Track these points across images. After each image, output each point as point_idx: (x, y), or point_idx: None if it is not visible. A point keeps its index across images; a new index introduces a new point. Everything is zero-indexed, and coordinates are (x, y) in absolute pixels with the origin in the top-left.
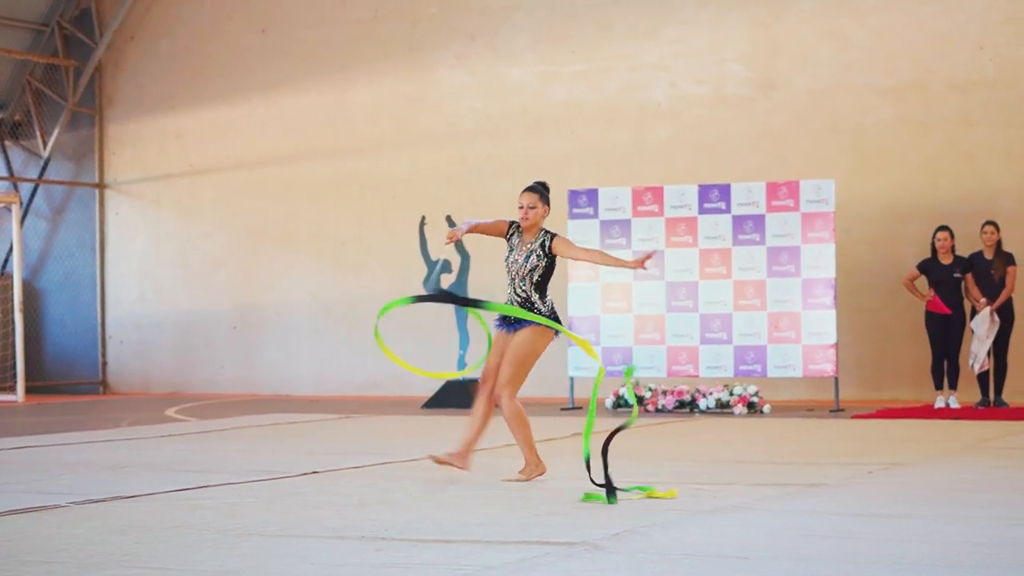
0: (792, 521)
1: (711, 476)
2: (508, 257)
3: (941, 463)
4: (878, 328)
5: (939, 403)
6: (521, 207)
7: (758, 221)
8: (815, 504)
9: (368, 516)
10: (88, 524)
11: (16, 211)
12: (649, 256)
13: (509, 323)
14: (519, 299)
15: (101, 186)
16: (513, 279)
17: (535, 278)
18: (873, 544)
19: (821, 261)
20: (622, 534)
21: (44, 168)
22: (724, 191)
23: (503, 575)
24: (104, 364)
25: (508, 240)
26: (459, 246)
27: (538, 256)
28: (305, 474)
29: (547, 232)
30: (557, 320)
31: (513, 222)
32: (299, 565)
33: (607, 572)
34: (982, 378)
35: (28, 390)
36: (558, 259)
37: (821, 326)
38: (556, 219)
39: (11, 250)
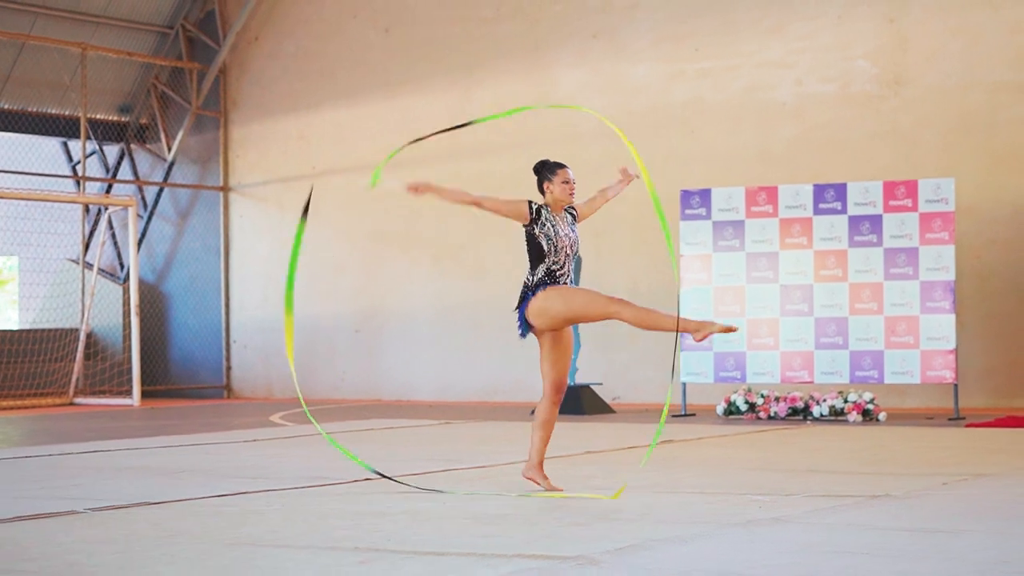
0: (824, 536)
1: (775, 486)
2: (556, 232)
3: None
4: (1010, 334)
5: None
6: (568, 182)
7: (875, 221)
8: (863, 517)
9: (381, 526)
10: (86, 531)
11: (133, 214)
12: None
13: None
14: (569, 277)
15: (225, 189)
16: (567, 256)
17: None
18: (892, 562)
19: (940, 263)
20: (626, 548)
21: (169, 171)
22: (840, 191)
23: None
24: (228, 368)
25: (536, 221)
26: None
27: (574, 229)
28: (355, 481)
29: (566, 209)
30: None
31: (531, 202)
32: None
33: None
34: None
35: (153, 394)
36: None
37: (940, 331)
38: (668, 220)
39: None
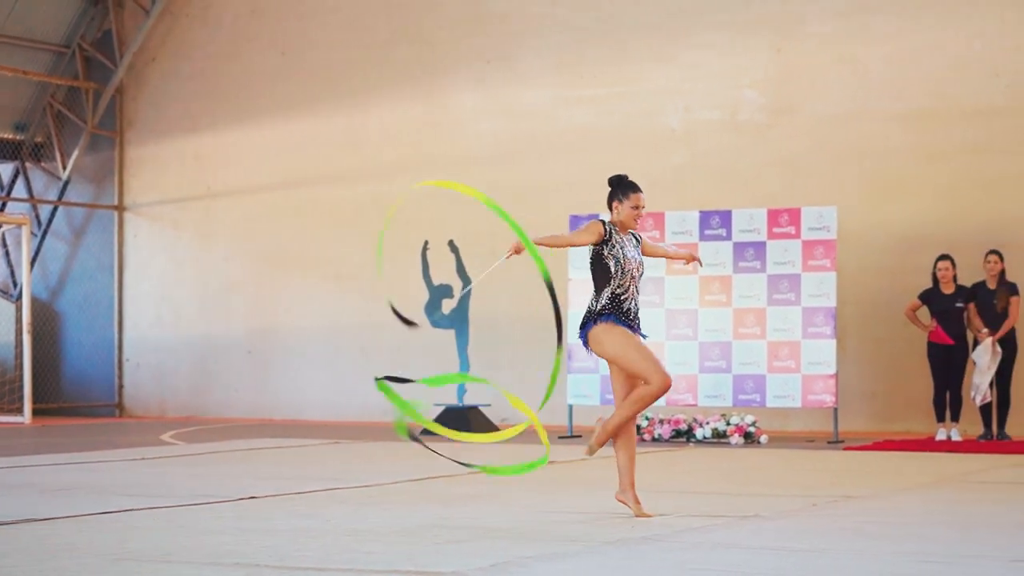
0: (694, 555)
1: (651, 506)
2: (624, 255)
3: (898, 497)
4: (888, 359)
5: (940, 435)
6: (638, 207)
7: (759, 248)
8: (733, 537)
9: (266, 543)
10: None
11: (26, 232)
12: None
13: (639, 326)
14: (634, 302)
15: (120, 208)
16: (632, 279)
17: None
18: None
19: (822, 289)
20: (500, 565)
21: (64, 190)
22: (725, 217)
23: None
24: (121, 387)
25: (607, 241)
26: (461, 271)
27: (639, 254)
28: (241, 499)
29: (631, 232)
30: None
31: (603, 220)
32: None
33: None
34: (984, 410)
35: (44, 412)
36: None
37: (821, 356)
38: None
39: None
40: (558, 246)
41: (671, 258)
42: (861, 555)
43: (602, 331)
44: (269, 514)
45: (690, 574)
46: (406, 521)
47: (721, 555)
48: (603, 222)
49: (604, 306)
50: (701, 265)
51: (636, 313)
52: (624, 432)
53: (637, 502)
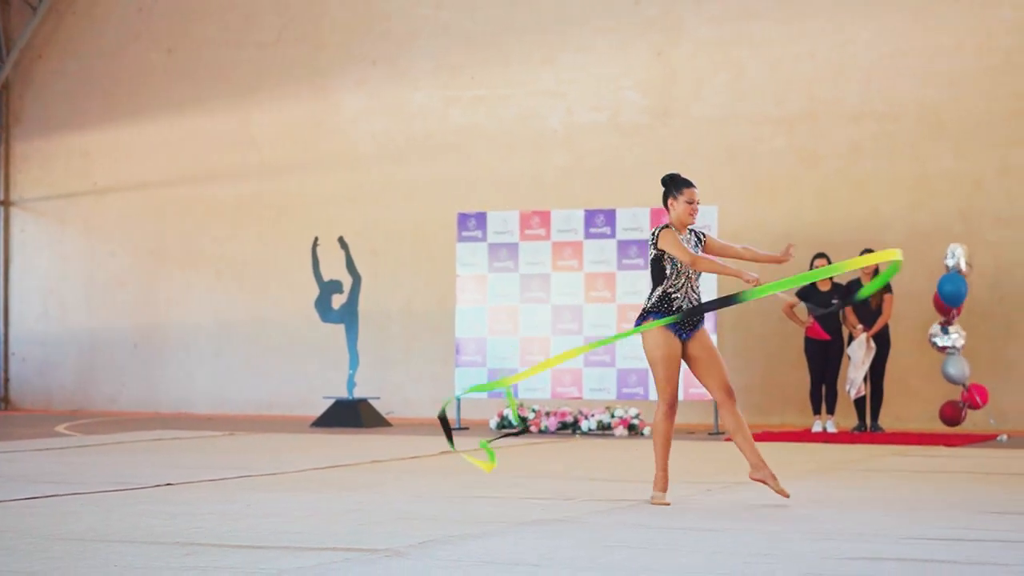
0: (605, 533)
1: (555, 492)
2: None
3: (784, 483)
4: (767, 354)
5: (816, 427)
6: (693, 202)
7: (642, 246)
8: (638, 518)
9: (196, 524)
10: None
11: None
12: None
13: (689, 328)
14: (696, 296)
15: (7, 203)
16: (688, 278)
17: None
18: (667, 554)
19: (705, 287)
20: (428, 543)
21: None
22: (610, 216)
23: None
24: (6, 380)
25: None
26: (351, 267)
27: (699, 252)
28: (158, 486)
29: (690, 229)
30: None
31: (669, 226)
32: (104, 568)
33: (393, 575)
34: (859, 403)
35: None
36: None
37: None
38: (445, 242)
39: None
40: (707, 270)
41: (759, 258)
42: (758, 533)
43: (649, 336)
44: (189, 499)
45: (608, 549)
46: (323, 506)
47: (633, 533)
48: (669, 227)
49: (654, 304)
50: (792, 251)
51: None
52: (726, 421)
53: (774, 478)
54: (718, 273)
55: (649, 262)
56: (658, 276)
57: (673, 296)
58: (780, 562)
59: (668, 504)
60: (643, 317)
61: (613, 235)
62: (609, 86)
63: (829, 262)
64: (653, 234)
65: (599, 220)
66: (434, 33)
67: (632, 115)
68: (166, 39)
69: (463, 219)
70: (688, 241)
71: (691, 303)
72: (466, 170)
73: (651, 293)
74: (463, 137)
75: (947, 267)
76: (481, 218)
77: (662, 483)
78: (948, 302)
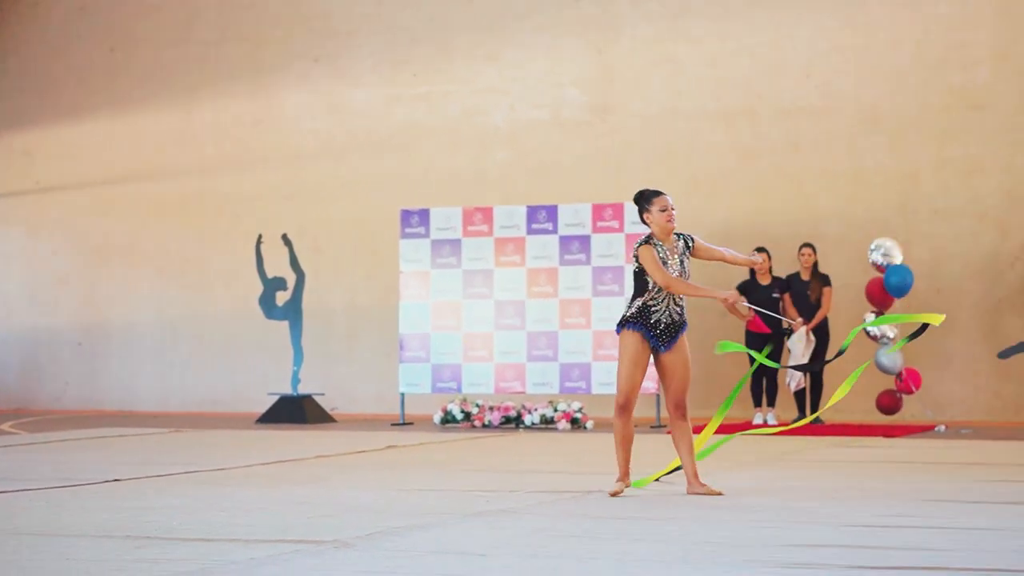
0: (549, 523)
1: (498, 484)
2: (667, 264)
3: (726, 473)
4: (706, 348)
5: (757, 419)
6: (666, 209)
7: (584, 242)
8: (582, 509)
9: (146, 519)
10: None
11: None
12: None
13: (668, 341)
14: (678, 308)
15: None
16: (670, 294)
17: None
18: (612, 543)
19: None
20: (376, 534)
21: None
22: (552, 212)
23: (241, 568)
24: None
25: (657, 252)
26: (294, 264)
27: (687, 259)
28: (106, 482)
29: (677, 234)
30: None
31: (650, 238)
32: (58, 561)
33: (342, 567)
34: (798, 396)
35: None
36: None
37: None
38: (388, 239)
39: None
40: (681, 293)
41: (736, 261)
42: (701, 522)
43: (623, 337)
44: (139, 494)
45: (553, 538)
46: (270, 500)
47: (577, 524)
48: (649, 242)
49: (633, 314)
50: (760, 260)
51: (666, 326)
52: (675, 439)
53: (704, 485)
54: (692, 295)
55: (633, 272)
56: (640, 287)
57: (653, 309)
58: (720, 549)
59: (620, 493)
60: (622, 325)
61: (555, 231)
62: (550, 83)
63: (769, 257)
64: (636, 246)
65: (541, 216)
66: (376, 30)
67: (573, 112)
68: (108, 38)
69: (406, 216)
70: (676, 248)
71: (672, 317)
72: (409, 167)
73: (632, 301)
74: (406, 134)
75: (872, 263)
76: (424, 215)
77: (619, 475)
78: (894, 294)
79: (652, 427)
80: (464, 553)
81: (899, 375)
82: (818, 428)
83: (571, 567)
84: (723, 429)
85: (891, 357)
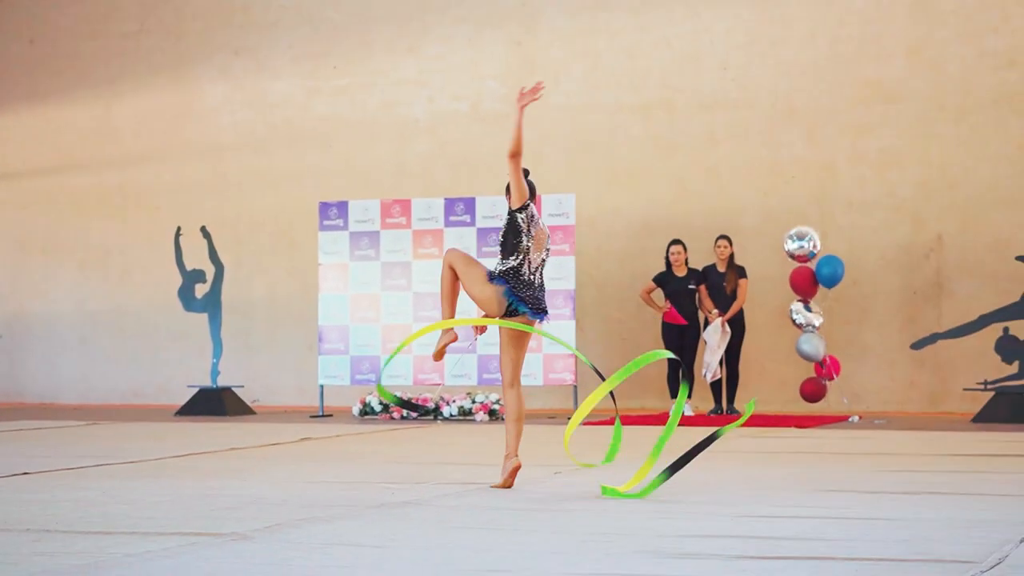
0: (451, 515)
1: (408, 476)
2: (532, 231)
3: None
4: (625, 339)
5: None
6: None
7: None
8: (485, 501)
9: (49, 512)
10: None
11: None
12: None
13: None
14: (541, 277)
15: None
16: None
17: None
18: (509, 535)
19: (562, 273)
20: (274, 527)
21: None
22: (469, 204)
23: (134, 561)
24: None
25: (528, 218)
26: (213, 257)
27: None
28: (15, 475)
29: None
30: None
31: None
32: None
33: (236, 559)
34: (715, 387)
35: None
36: None
37: (561, 336)
38: (307, 231)
39: None
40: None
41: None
42: (598, 513)
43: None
44: (46, 488)
45: (453, 530)
46: (177, 493)
47: (478, 515)
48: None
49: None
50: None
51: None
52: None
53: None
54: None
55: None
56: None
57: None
58: (618, 539)
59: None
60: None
61: (473, 223)
62: (470, 75)
63: (685, 248)
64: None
65: (459, 208)
66: (296, 22)
67: (492, 104)
68: (27, 30)
69: (324, 208)
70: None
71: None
72: (328, 159)
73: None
74: (325, 126)
75: (787, 253)
76: (343, 207)
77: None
78: (826, 284)
79: (568, 418)
80: (360, 545)
81: (822, 362)
82: (733, 419)
83: (465, 558)
84: (642, 420)
85: (813, 344)
